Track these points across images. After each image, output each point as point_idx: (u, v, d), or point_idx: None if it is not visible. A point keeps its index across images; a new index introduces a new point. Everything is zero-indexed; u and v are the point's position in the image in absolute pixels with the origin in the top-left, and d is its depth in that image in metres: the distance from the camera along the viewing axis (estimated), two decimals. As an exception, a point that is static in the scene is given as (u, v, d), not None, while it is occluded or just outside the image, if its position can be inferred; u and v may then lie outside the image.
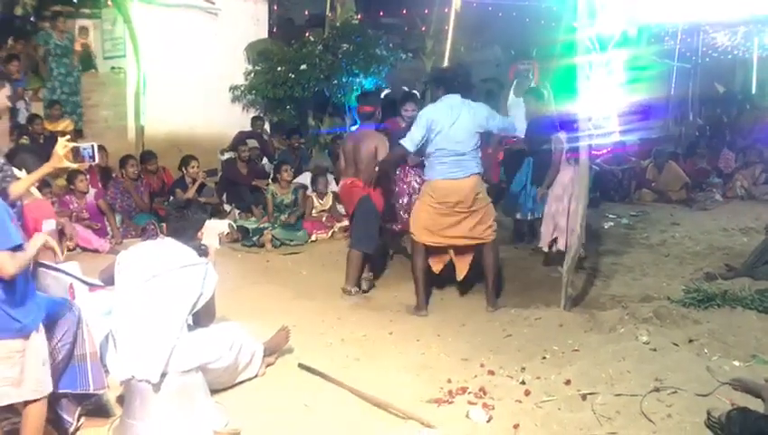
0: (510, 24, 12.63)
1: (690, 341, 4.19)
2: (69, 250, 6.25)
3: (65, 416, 3.26)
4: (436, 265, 5.34)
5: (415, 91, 7.08)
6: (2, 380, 2.77)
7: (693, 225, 8.24)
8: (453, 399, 3.63)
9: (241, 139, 9.48)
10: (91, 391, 3.28)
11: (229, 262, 6.44)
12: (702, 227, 8.10)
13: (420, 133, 5.01)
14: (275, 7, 11.51)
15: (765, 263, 5.60)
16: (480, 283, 5.48)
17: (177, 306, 3.36)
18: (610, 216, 8.72)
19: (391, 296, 5.63)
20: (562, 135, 6.01)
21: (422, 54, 12.55)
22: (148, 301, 3.33)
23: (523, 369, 3.96)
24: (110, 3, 9.50)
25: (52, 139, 8.16)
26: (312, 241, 7.58)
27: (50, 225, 4.48)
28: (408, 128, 5.24)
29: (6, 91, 3.43)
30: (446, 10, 10.96)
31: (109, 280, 3.57)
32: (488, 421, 3.37)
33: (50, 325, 3.05)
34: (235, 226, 7.72)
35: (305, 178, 8.77)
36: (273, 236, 7.36)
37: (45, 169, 3.55)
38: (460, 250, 5.27)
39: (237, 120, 10.30)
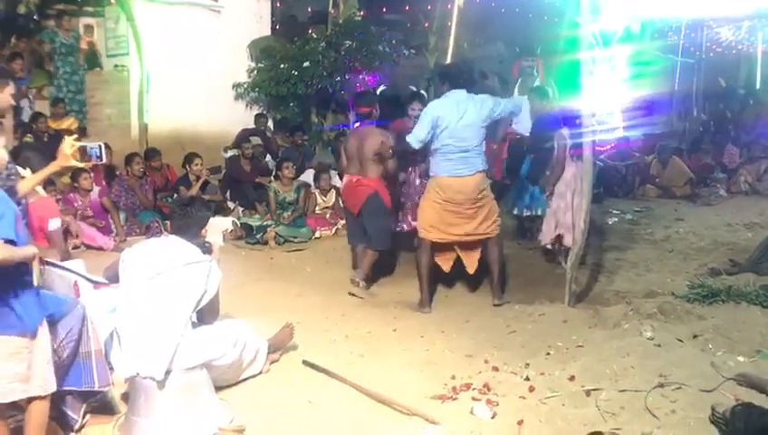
0: (513, 20, 12.59)
1: (694, 336, 4.18)
2: (73, 248, 6.26)
3: (70, 413, 3.28)
4: (445, 264, 5.35)
5: (422, 92, 7.08)
6: (12, 376, 2.78)
7: (697, 220, 8.23)
8: (457, 395, 3.64)
9: (244, 136, 9.49)
10: (96, 389, 3.29)
11: (233, 259, 6.45)
12: (706, 222, 8.08)
13: (425, 130, 5.01)
14: (278, 4, 11.48)
15: (770, 258, 5.60)
16: (484, 280, 5.48)
17: (181, 304, 3.37)
18: (614, 211, 8.71)
19: (395, 293, 5.64)
20: (565, 131, 5.99)
21: (425, 51, 12.52)
22: (152, 298, 3.34)
23: (528, 365, 3.96)
24: (113, 1, 9.50)
25: (56, 137, 8.19)
26: (315, 238, 7.59)
27: (55, 223, 4.49)
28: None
29: (10, 89, 3.42)
30: (449, 6, 10.93)
31: (113, 278, 3.58)
32: (492, 417, 3.37)
33: (55, 323, 3.06)
34: (238, 223, 7.73)
35: (308, 175, 8.78)
36: (276, 233, 7.37)
37: (52, 167, 3.55)
38: (467, 246, 5.27)
39: (241, 117, 10.30)
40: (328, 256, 6.87)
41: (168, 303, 3.34)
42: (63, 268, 4.09)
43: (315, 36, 10.68)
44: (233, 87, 10.34)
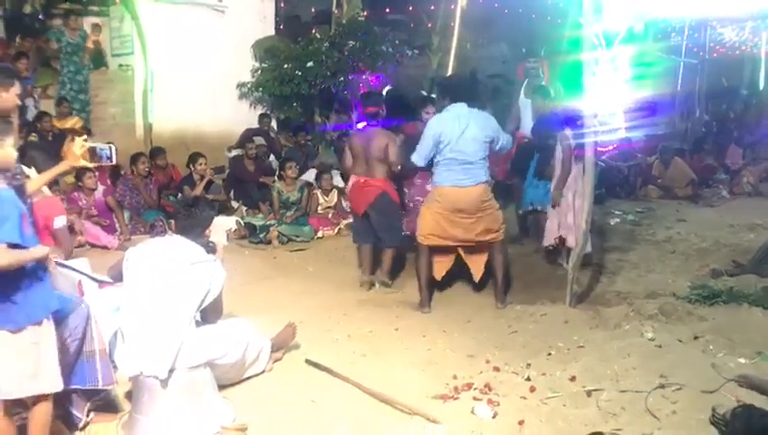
0: (516, 21, 12.61)
1: (695, 337, 4.20)
2: (78, 246, 6.29)
3: (74, 412, 3.30)
4: (439, 272, 5.33)
5: (433, 96, 7.10)
6: (20, 371, 2.81)
7: (699, 221, 8.22)
8: (458, 395, 3.66)
9: (248, 136, 9.51)
10: (100, 387, 3.31)
11: (236, 258, 6.47)
12: (708, 223, 8.07)
13: (428, 148, 5.05)
14: (282, 4, 11.51)
15: (772, 260, 5.60)
16: (486, 280, 5.49)
17: (185, 303, 3.39)
18: (616, 212, 8.71)
19: (397, 293, 5.66)
20: (569, 132, 5.99)
21: (428, 51, 12.54)
22: (156, 297, 3.37)
23: (529, 365, 3.98)
24: (117, 0, 9.53)
25: (60, 136, 8.24)
26: (318, 238, 7.62)
27: (60, 221, 4.51)
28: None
29: (16, 89, 3.45)
30: (453, 7, 10.97)
31: (117, 276, 3.60)
32: (493, 417, 3.39)
33: (59, 322, 3.08)
34: (242, 222, 7.76)
35: (310, 174, 8.81)
36: (279, 232, 7.40)
37: (62, 166, 3.57)
38: (472, 251, 5.28)
39: (244, 117, 10.32)
40: (330, 256, 6.90)
41: (172, 302, 3.37)
42: (68, 267, 4.11)
43: (319, 36, 10.69)
44: (236, 87, 10.36)
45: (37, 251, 2.88)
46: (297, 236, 7.48)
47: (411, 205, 6.28)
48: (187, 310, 3.39)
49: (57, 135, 8.38)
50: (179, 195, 7.95)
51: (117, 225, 7.25)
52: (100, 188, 7.27)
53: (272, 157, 9.68)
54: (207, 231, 3.68)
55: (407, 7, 13.05)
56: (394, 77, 10.96)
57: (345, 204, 8.34)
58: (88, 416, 3.36)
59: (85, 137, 3.65)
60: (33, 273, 2.86)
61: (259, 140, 9.52)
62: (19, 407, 3.03)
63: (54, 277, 3.07)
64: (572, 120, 5.84)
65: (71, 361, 3.19)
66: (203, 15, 9.91)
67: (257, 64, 10.53)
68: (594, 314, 4.85)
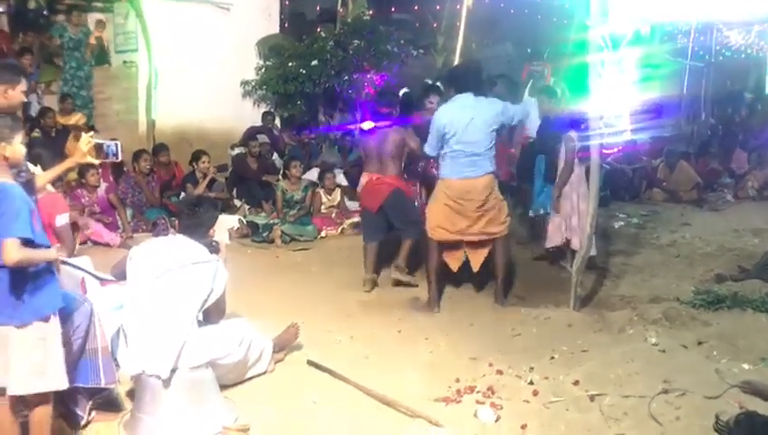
0: (522, 21, 12.58)
1: (699, 343, 4.18)
2: (80, 243, 6.29)
3: (76, 410, 3.30)
4: (454, 263, 5.35)
5: (438, 84, 7.09)
6: (30, 366, 2.81)
7: (703, 225, 8.20)
8: (461, 398, 3.64)
9: (251, 134, 9.51)
10: (102, 386, 3.31)
11: (239, 258, 6.47)
12: (713, 227, 8.06)
13: (436, 139, 5.10)
14: (287, 2, 11.49)
15: (776, 265, 5.58)
16: (489, 282, 5.48)
17: (187, 302, 3.39)
18: (621, 215, 8.69)
19: (400, 294, 5.64)
20: (574, 134, 5.98)
21: (433, 51, 12.53)
22: (159, 297, 3.36)
23: (532, 369, 3.96)
24: (122, -3, 9.54)
25: (63, 132, 8.24)
26: (321, 237, 7.61)
27: (63, 219, 4.51)
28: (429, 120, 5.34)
29: (22, 86, 3.44)
30: (458, 6, 10.88)
31: (120, 275, 3.60)
32: (496, 421, 3.38)
33: (64, 319, 3.07)
34: (244, 221, 7.76)
35: (313, 173, 8.79)
36: (282, 231, 7.39)
37: (68, 163, 3.56)
38: (474, 244, 5.28)
39: (248, 115, 10.32)
40: (333, 256, 6.88)
41: (175, 301, 3.36)
42: (71, 265, 4.11)
43: (324, 35, 10.68)
44: (240, 84, 10.36)
45: (50, 253, 2.91)
46: (300, 236, 7.46)
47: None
48: (189, 310, 3.39)
49: (60, 131, 8.39)
50: (182, 194, 7.94)
51: (119, 222, 7.25)
52: (103, 185, 7.28)
53: (275, 155, 9.68)
54: (211, 231, 3.67)
55: (412, 7, 13.04)
56: (399, 77, 10.94)
57: (349, 203, 8.35)
58: (90, 414, 3.36)
59: (92, 133, 3.63)
60: (43, 269, 2.87)
61: (262, 138, 9.51)
62: (21, 404, 3.03)
63: (60, 275, 3.07)
64: (578, 123, 5.83)
65: (74, 359, 3.18)
66: (207, 13, 9.90)
67: (261, 62, 10.52)
68: (598, 318, 4.83)
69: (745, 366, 3.80)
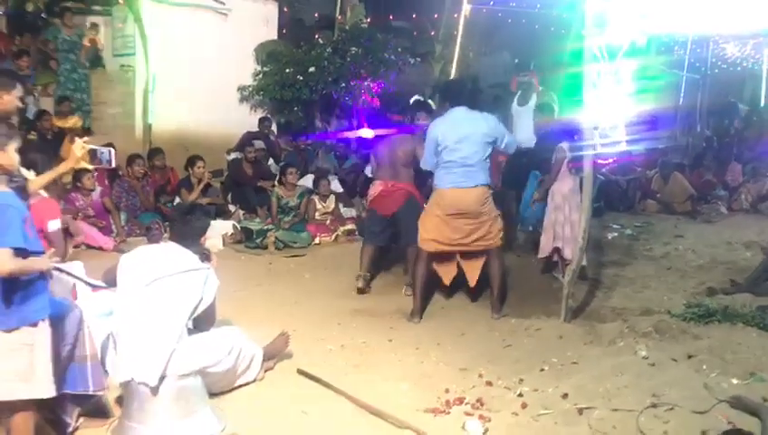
0: (519, 31, 12.63)
1: (689, 356, 4.18)
2: (74, 247, 6.28)
3: (64, 417, 3.28)
4: (446, 276, 5.36)
5: (429, 101, 7.10)
6: (11, 372, 2.78)
7: (697, 237, 8.23)
8: (450, 409, 3.64)
9: (248, 139, 9.52)
10: (91, 392, 3.29)
11: (232, 264, 6.47)
12: (706, 240, 8.08)
13: (431, 152, 5.16)
14: (285, 8, 11.54)
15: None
16: (481, 292, 5.49)
17: (177, 310, 3.38)
18: (614, 226, 8.71)
19: (392, 303, 5.63)
20: (566, 145, 6.00)
21: (431, 59, 12.57)
22: (149, 304, 3.35)
23: (521, 380, 3.97)
24: (120, 1, 9.54)
25: (60, 135, 8.23)
26: (315, 244, 7.61)
27: (55, 224, 4.50)
28: (423, 133, 5.42)
29: (17, 91, 3.45)
30: (456, 15, 10.96)
31: (111, 281, 3.59)
32: (484, 434, 3.38)
33: (54, 326, 3.07)
34: (239, 226, 7.75)
35: (308, 180, 8.80)
36: (276, 238, 7.38)
37: (62, 168, 3.57)
38: (469, 257, 5.29)
39: (245, 120, 10.34)
40: (327, 263, 6.88)
41: (165, 309, 3.36)
42: (63, 271, 4.10)
43: (321, 42, 10.73)
44: (238, 90, 10.39)
45: (43, 263, 2.90)
46: (294, 243, 7.46)
47: None
48: (179, 318, 3.38)
49: (56, 134, 8.38)
50: (177, 200, 7.93)
51: (113, 226, 7.24)
52: (98, 189, 7.27)
53: (271, 161, 9.68)
54: (203, 239, 3.67)
55: (410, 15, 13.07)
56: (396, 84, 10.98)
57: (343, 210, 8.35)
58: (77, 421, 3.34)
59: (86, 138, 3.64)
60: (35, 277, 2.86)
61: (259, 143, 9.52)
62: (6, 410, 3.01)
63: (51, 281, 3.07)
64: (571, 133, 5.86)
65: (63, 365, 3.17)
66: (206, 18, 9.93)
67: (259, 68, 10.55)
68: (589, 330, 4.83)
69: (734, 381, 3.80)
